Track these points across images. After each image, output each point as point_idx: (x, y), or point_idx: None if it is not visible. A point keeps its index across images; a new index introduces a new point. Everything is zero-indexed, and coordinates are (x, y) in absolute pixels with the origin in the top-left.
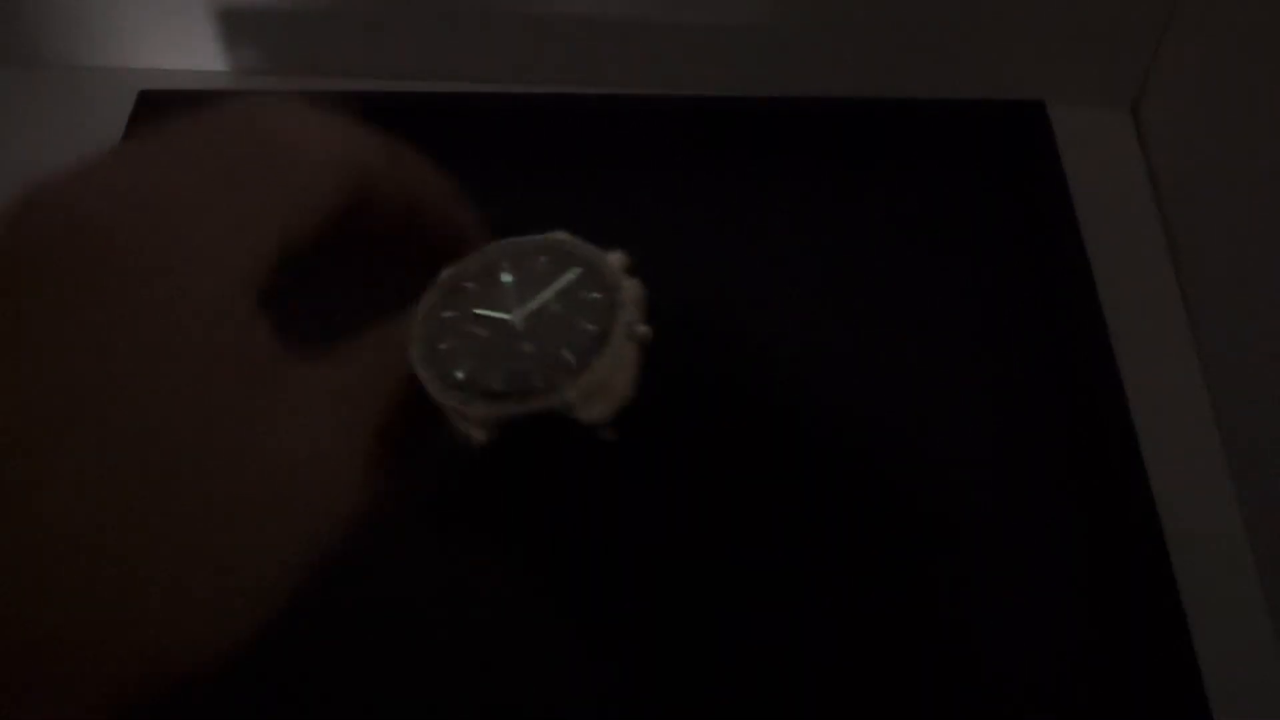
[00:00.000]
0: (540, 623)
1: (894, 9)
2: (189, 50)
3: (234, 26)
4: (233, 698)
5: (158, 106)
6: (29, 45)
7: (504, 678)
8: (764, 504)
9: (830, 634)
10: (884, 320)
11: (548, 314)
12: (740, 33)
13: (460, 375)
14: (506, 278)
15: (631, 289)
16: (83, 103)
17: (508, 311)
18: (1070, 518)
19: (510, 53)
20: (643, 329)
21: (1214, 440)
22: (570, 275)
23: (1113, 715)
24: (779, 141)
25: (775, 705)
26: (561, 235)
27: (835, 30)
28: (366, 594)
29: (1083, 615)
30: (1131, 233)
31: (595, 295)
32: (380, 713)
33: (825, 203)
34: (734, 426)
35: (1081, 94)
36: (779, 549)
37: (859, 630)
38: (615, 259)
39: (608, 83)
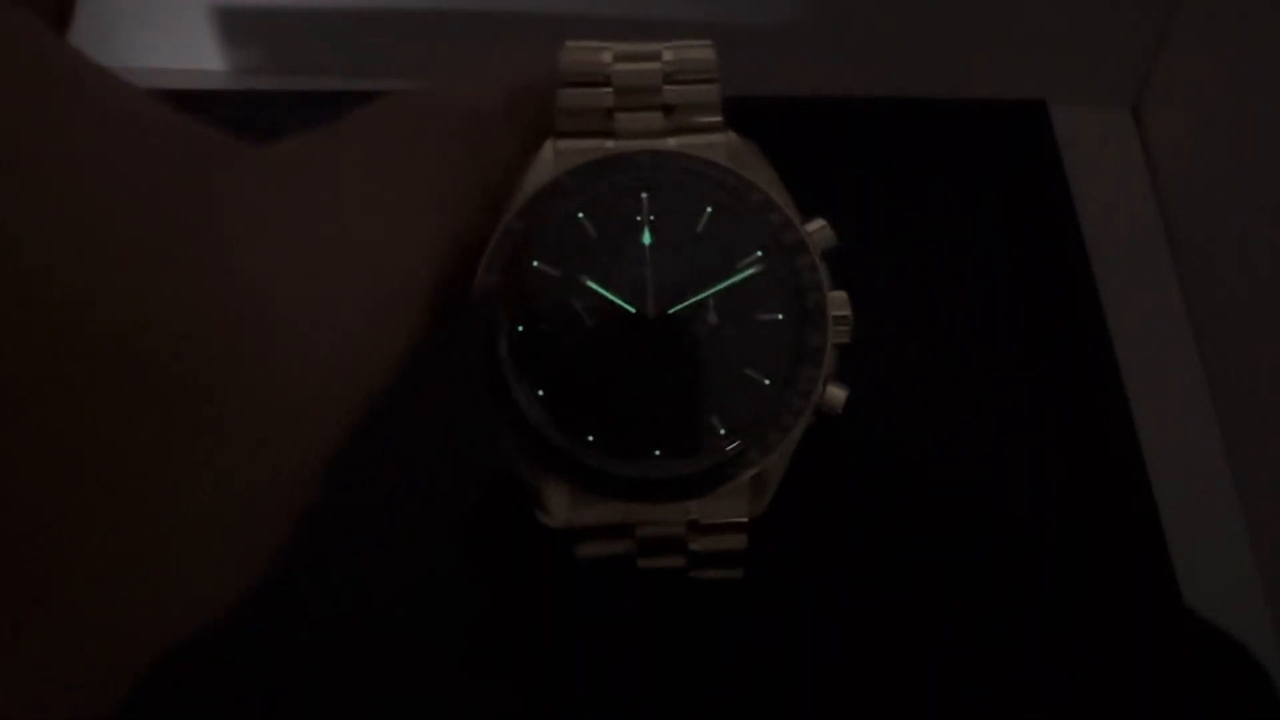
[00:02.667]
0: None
1: (894, 9)
2: (189, 50)
3: (234, 26)
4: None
5: None
6: None
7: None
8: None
9: (828, 634)
10: (883, 320)
11: (699, 326)
12: (739, 33)
13: (540, 391)
14: (645, 234)
15: (839, 305)
16: None
17: (637, 301)
18: (1070, 518)
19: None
20: (836, 393)
21: (1215, 441)
22: (748, 268)
23: (1113, 715)
24: (778, 141)
25: (774, 703)
26: (737, 146)
27: (834, 30)
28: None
29: (1082, 615)
30: (1133, 233)
31: (776, 316)
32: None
33: (824, 202)
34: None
35: (1082, 94)
36: (777, 548)
37: (858, 630)
38: (821, 232)
39: None
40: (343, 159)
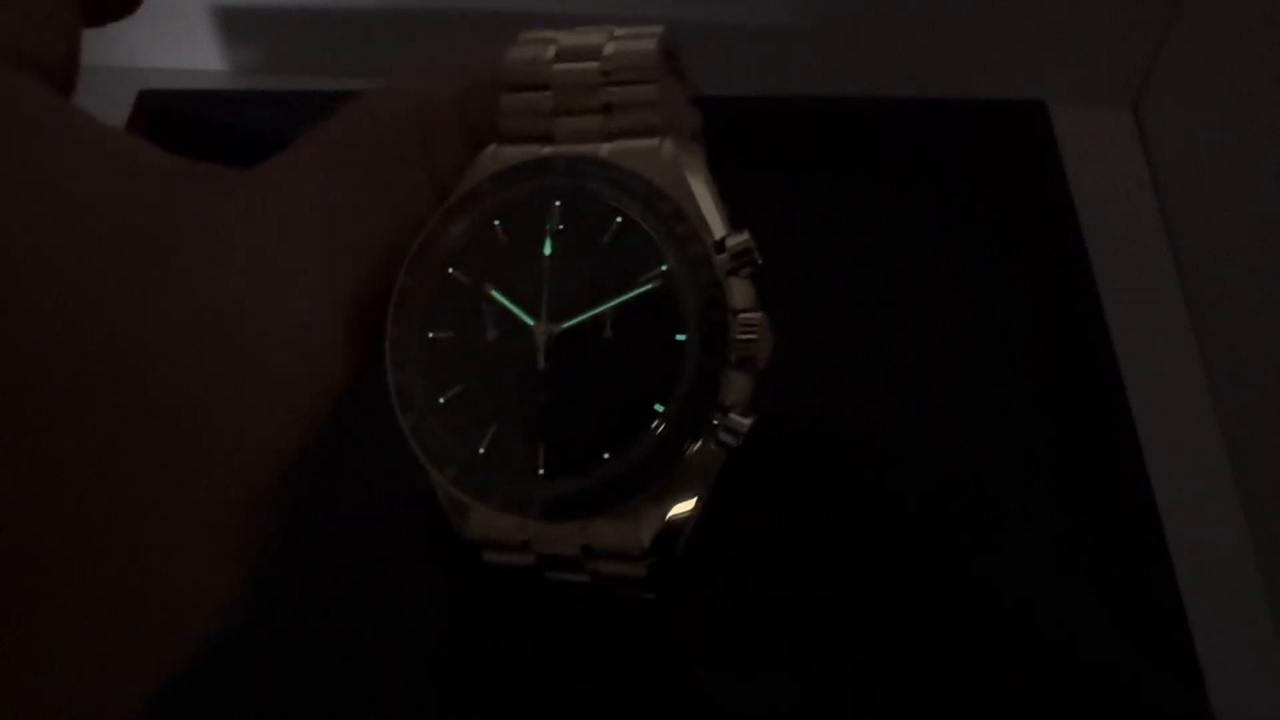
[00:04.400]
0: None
1: (894, 9)
2: (189, 50)
3: (234, 26)
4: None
5: (157, 106)
6: None
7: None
8: (762, 502)
9: (827, 633)
10: (881, 319)
11: (594, 341)
12: (738, 33)
13: (442, 399)
14: (548, 244)
15: (755, 329)
16: (82, 102)
17: (533, 312)
18: (1070, 518)
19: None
20: (737, 422)
21: (1215, 440)
22: (650, 283)
23: (1113, 715)
24: (777, 141)
25: (775, 703)
26: (671, 151)
27: (834, 30)
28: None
29: (1082, 615)
30: (1133, 233)
31: (678, 338)
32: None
33: (823, 202)
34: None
35: (1082, 94)
36: (764, 542)
37: (855, 629)
38: (737, 246)
39: None
40: (304, 174)
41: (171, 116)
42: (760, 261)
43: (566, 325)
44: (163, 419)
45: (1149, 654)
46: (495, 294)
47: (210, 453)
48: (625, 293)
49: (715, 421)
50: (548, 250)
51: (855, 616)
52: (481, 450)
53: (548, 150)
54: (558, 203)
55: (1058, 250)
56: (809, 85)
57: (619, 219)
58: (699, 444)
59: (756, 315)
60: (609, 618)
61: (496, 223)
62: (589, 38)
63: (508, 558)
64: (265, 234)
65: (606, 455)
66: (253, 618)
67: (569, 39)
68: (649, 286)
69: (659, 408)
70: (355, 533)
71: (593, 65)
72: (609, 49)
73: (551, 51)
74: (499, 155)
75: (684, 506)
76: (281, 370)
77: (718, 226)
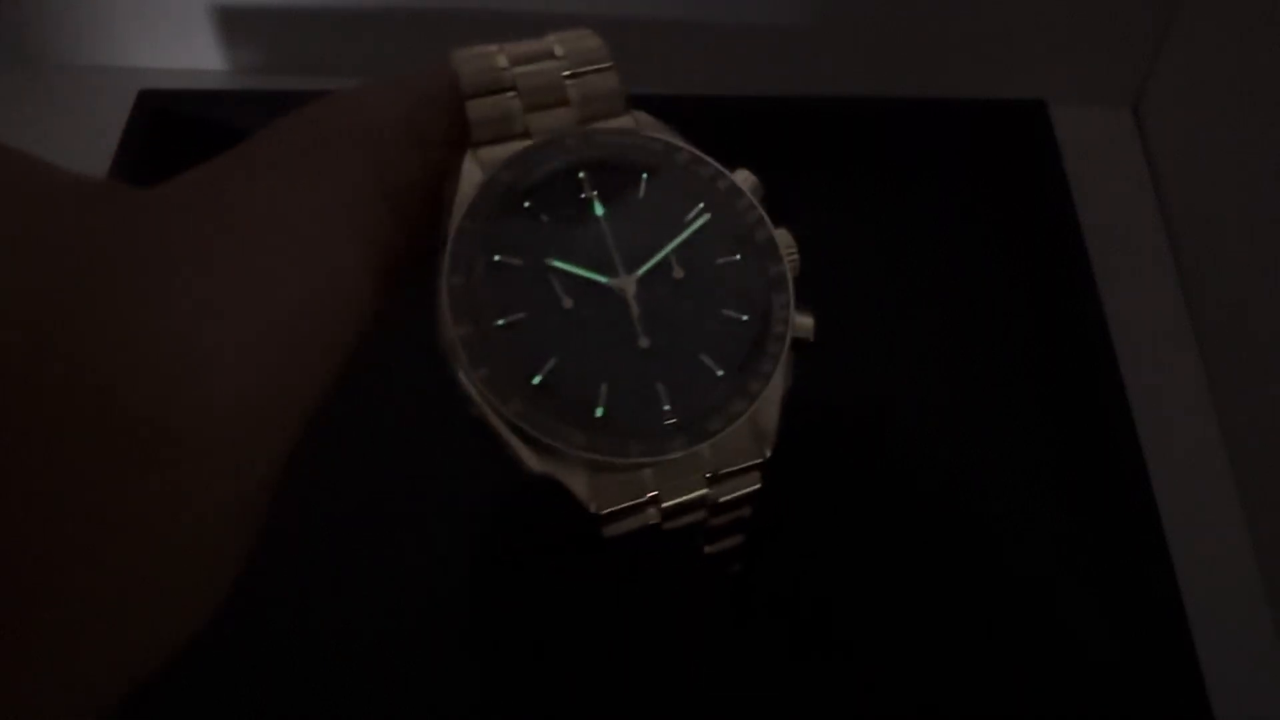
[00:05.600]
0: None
1: (894, 9)
2: (189, 50)
3: (234, 26)
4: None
5: (158, 106)
6: (29, 45)
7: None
8: (762, 502)
9: (828, 633)
10: (882, 318)
11: (668, 283)
12: (738, 33)
13: (537, 378)
14: (595, 206)
15: (784, 240)
16: (82, 102)
17: (607, 271)
18: (1070, 518)
19: None
20: (806, 321)
21: (1216, 440)
22: (696, 219)
23: (1113, 715)
24: (777, 141)
25: (777, 704)
26: (646, 120)
27: (834, 30)
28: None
29: (1082, 615)
30: (1133, 233)
31: (734, 258)
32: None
33: (824, 202)
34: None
35: (1082, 94)
36: (763, 542)
37: (856, 629)
38: (746, 180)
39: None
40: (246, 186)
41: (171, 116)
42: (762, 190)
43: (641, 273)
44: (128, 432)
45: (1149, 654)
46: (560, 264)
47: (178, 462)
48: (680, 233)
49: (791, 324)
50: (599, 212)
51: (855, 615)
52: (599, 412)
53: (528, 144)
54: (582, 174)
55: (1058, 250)
56: (809, 85)
57: (645, 175)
58: (786, 341)
59: (785, 232)
60: (614, 615)
61: (526, 204)
62: (534, 44)
63: (630, 524)
64: (202, 256)
65: (720, 373)
66: (251, 616)
67: (515, 48)
68: (699, 223)
69: (744, 317)
70: (353, 534)
71: (554, 64)
72: (559, 50)
73: (503, 59)
74: (482, 158)
75: (776, 413)
76: (242, 386)
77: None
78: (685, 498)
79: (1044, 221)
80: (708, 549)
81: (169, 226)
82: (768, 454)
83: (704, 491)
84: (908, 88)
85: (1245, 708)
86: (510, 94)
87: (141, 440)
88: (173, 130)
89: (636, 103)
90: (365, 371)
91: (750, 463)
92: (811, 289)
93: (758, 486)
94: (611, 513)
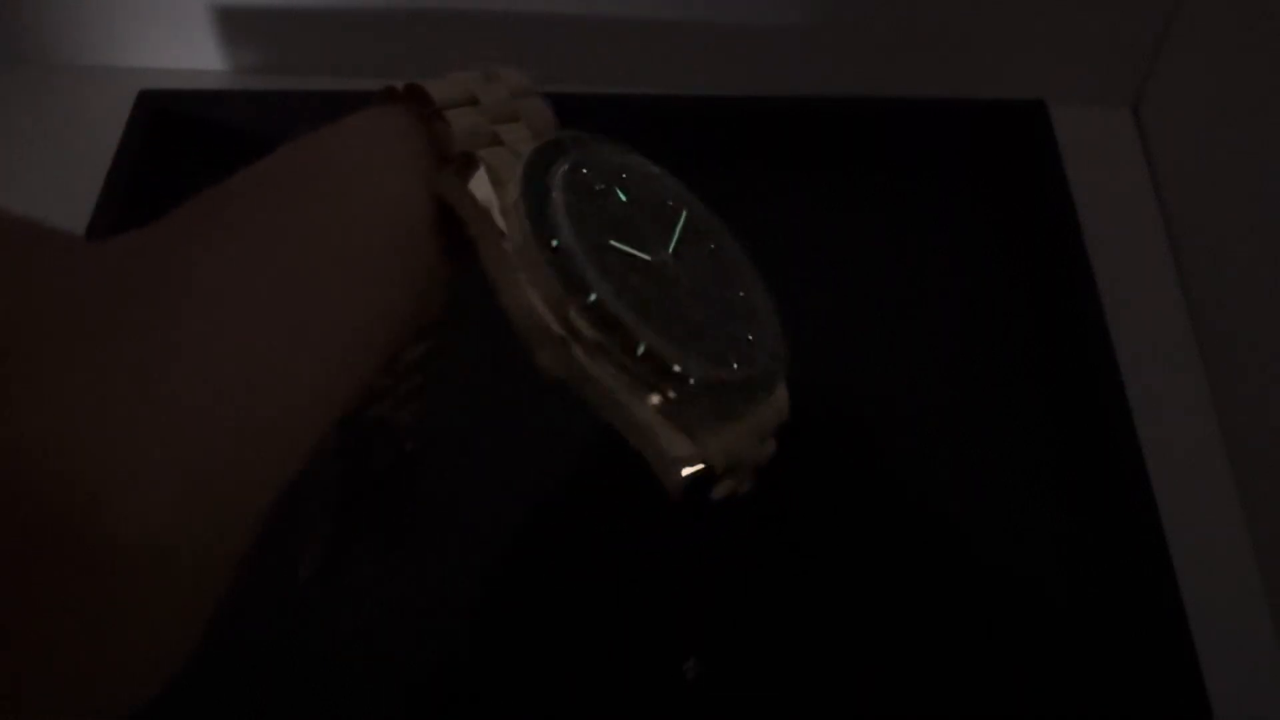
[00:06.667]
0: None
1: (894, 9)
2: (189, 50)
3: (234, 26)
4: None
5: (157, 106)
6: (29, 45)
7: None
8: (754, 500)
9: (830, 633)
10: (883, 319)
11: (681, 264)
12: (739, 33)
13: (640, 349)
14: (619, 193)
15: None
16: (82, 102)
17: (648, 250)
18: (1070, 518)
19: (509, 52)
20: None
21: (1215, 440)
22: (680, 214)
23: (1113, 715)
24: (778, 140)
25: (778, 706)
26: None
27: (835, 30)
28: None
29: (1082, 615)
30: (1132, 232)
31: (710, 246)
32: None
33: (824, 202)
34: None
35: (1082, 94)
36: (764, 542)
37: (857, 628)
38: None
39: (604, 83)
40: (203, 255)
41: (171, 116)
42: None
43: (673, 246)
44: (49, 529)
45: (1149, 654)
46: (616, 244)
47: (106, 569)
48: (675, 225)
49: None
50: (624, 198)
51: (855, 613)
52: (692, 381)
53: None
54: (584, 170)
55: (1058, 250)
56: (809, 85)
57: (624, 175)
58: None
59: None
60: (615, 615)
61: (556, 193)
62: (464, 74)
63: (729, 487)
64: (159, 326)
65: (750, 337)
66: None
67: (455, 75)
68: (684, 216)
69: (740, 294)
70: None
71: (503, 87)
72: (498, 86)
73: (470, 79)
74: (486, 159)
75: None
76: (184, 488)
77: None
78: (768, 447)
79: (1044, 222)
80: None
81: (121, 296)
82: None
83: (764, 450)
84: (908, 88)
85: (1245, 708)
86: (479, 105)
87: (66, 542)
88: (173, 130)
89: (637, 103)
90: None
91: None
92: (812, 289)
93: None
94: (713, 471)
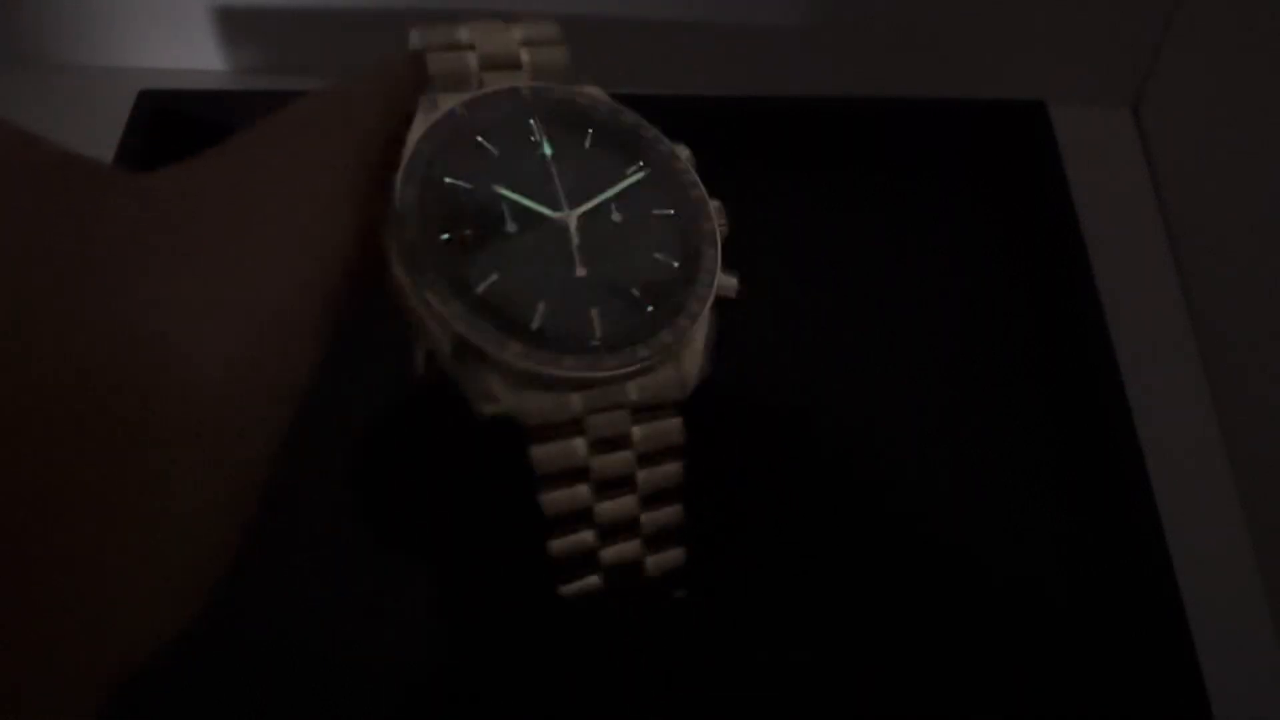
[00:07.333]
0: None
1: (894, 9)
2: (189, 50)
3: (234, 26)
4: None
5: (158, 106)
6: (28, 44)
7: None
8: (756, 500)
9: (826, 637)
10: (882, 319)
11: (607, 223)
12: (739, 33)
13: (480, 288)
14: (544, 147)
15: (715, 207)
16: (82, 102)
17: (551, 205)
18: (1070, 518)
19: None
20: (731, 280)
21: (1215, 440)
22: (636, 174)
23: (1114, 715)
24: (777, 140)
25: (774, 712)
26: (597, 93)
27: (835, 30)
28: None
29: (1083, 615)
30: (1133, 233)
31: (668, 211)
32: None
33: (823, 202)
34: (727, 424)
35: (1082, 94)
36: (765, 543)
37: (855, 633)
38: (683, 152)
39: (604, 83)
40: (229, 180)
41: (171, 116)
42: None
43: (583, 210)
44: (103, 419)
45: (1149, 654)
46: (507, 193)
47: (158, 450)
48: (619, 182)
49: (713, 272)
50: (548, 151)
51: (854, 614)
52: (535, 325)
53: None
54: (532, 120)
55: (1058, 250)
56: (809, 85)
57: (591, 129)
58: (713, 289)
59: (718, 202)
60: (603, 621)
61: (479, 139)
62: (494, 21)
63: (558, 451)
64: (180, 244)
65: (650, 308)
66: (238, 618)
67: (477, 23)
68: (639, 176)
69: (675, 264)
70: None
71: (509, 34)
72: (517, 32)
73: (465, 30)
74: (435, 99)
75: (698, 351)
76: (224, 370)
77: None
78: (612, 421)
79: (1044, 222)
80: (650, 563)
81: (152, 211)
82: (688, 394)
83: (626, 426)
84: (908, 88)
85: (1245, 708)
86: (470, 52)
87: (117, 428)
88: (173, 130)
89: (636, 103)
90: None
91: (672, 399)
92: (812, 289)
93: (680, 440)
94: (540, 427)
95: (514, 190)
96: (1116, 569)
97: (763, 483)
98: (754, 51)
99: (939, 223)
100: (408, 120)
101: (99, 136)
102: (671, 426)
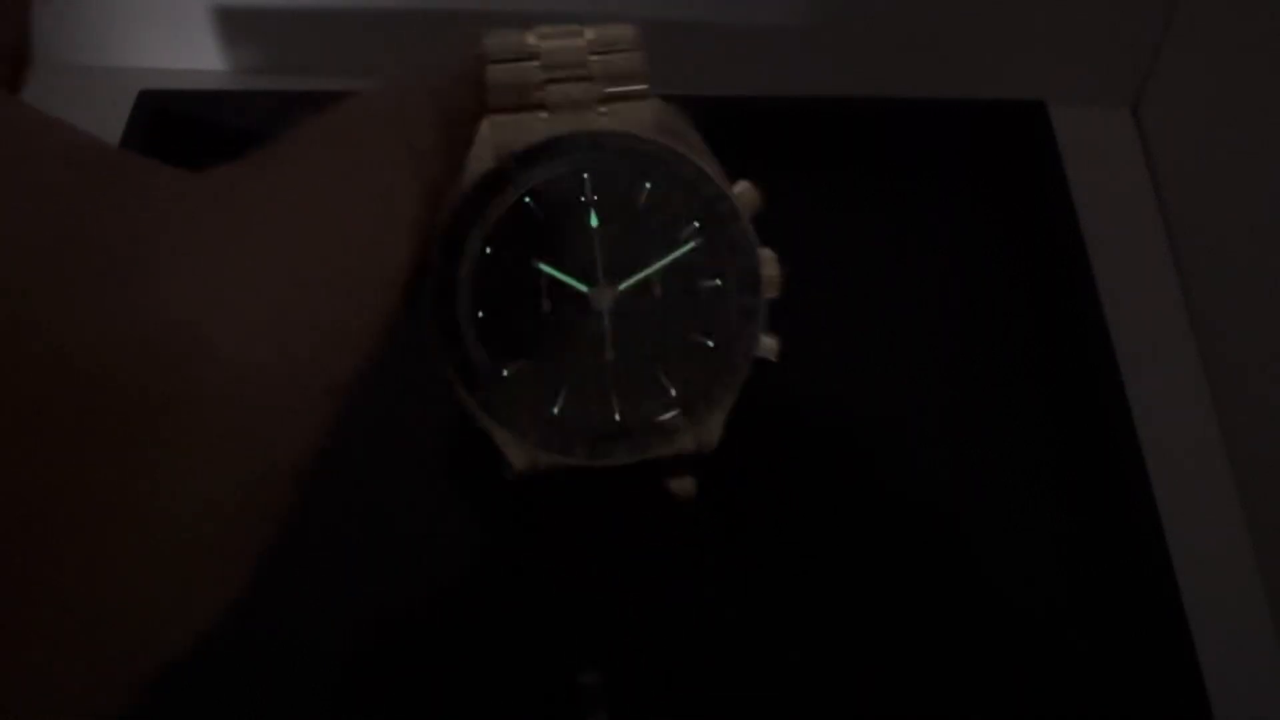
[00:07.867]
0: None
1: (894, 9)
2: (189, 50)
3: (234, 26)
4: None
5: (158, 106)
6: (29, 45)
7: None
8: (755, 500)
9: (826, 635)
10: (881, 319)
11: (646, 300)
12: (738, 33)
13: (505, 373)
14: (591, 217)
15: (769, 265)
16: (82, 102)
17: (589, 279)
18: (1070, 518)
19: None
20: (771, 343)
21: (1216, 440)
22: (688, 242)
23: (1114, 715)
24: (777, 140)
25: (765, 692)
26: (669, 119)
27: (835, 30)
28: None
29: (1082, 615)
30: (1132, 233)
31: (714, 283)
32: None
33: (824, 202)
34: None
35: (1082, 94)
36: (765, 543)
37: (855, 631)
38: (745, 196)
39: None
40: (277, 178)
41: (171, 116)
42: (761, 205)
43: (623, 288)
44: (119, 408)
45: (1149, 654)
46: (545, 268)
47: (180, 442)
48: (670, 253)
49: (755, 350)
50: (594, 222)
51: (855, 614)
52: (556, 411)
53: (544, 115)
54: (586, 175)
55: (1058, 250)
56: (809, 85)
57: (648, 185)
58: (744, 372)
59: (770, 252)
60: (602, 610)
61: (528, 200)
62: (565, 27)
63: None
64: (227, 240)
65: (674, 392)
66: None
67: (546, 29)
68: (691, 245)
69: (710, 344)
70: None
71: (580, 41)
72: (590, 33)
73: (533, 37)
74: (497, 124)
75: (719, 428)
76: (252, 382)
77: (722, 180)
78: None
79: (1044, 222)
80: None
81: (195, 213)
82: (708, 451)
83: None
84: (908, 88)
85: (1245, 708)
86: (533, 63)
87: (135, 418)
88: (173, 130)
89: None
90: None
91: (688, 453)
92: (811, 288)
93: (692, 491)
94: (545, 472)
95: (555, 265)
96: (1116, 569)
97: (762, 482)
98: (754, 51)
99: (939, 223)
100: (470, 118)
101: (98, 136)
102: (685, 484)
